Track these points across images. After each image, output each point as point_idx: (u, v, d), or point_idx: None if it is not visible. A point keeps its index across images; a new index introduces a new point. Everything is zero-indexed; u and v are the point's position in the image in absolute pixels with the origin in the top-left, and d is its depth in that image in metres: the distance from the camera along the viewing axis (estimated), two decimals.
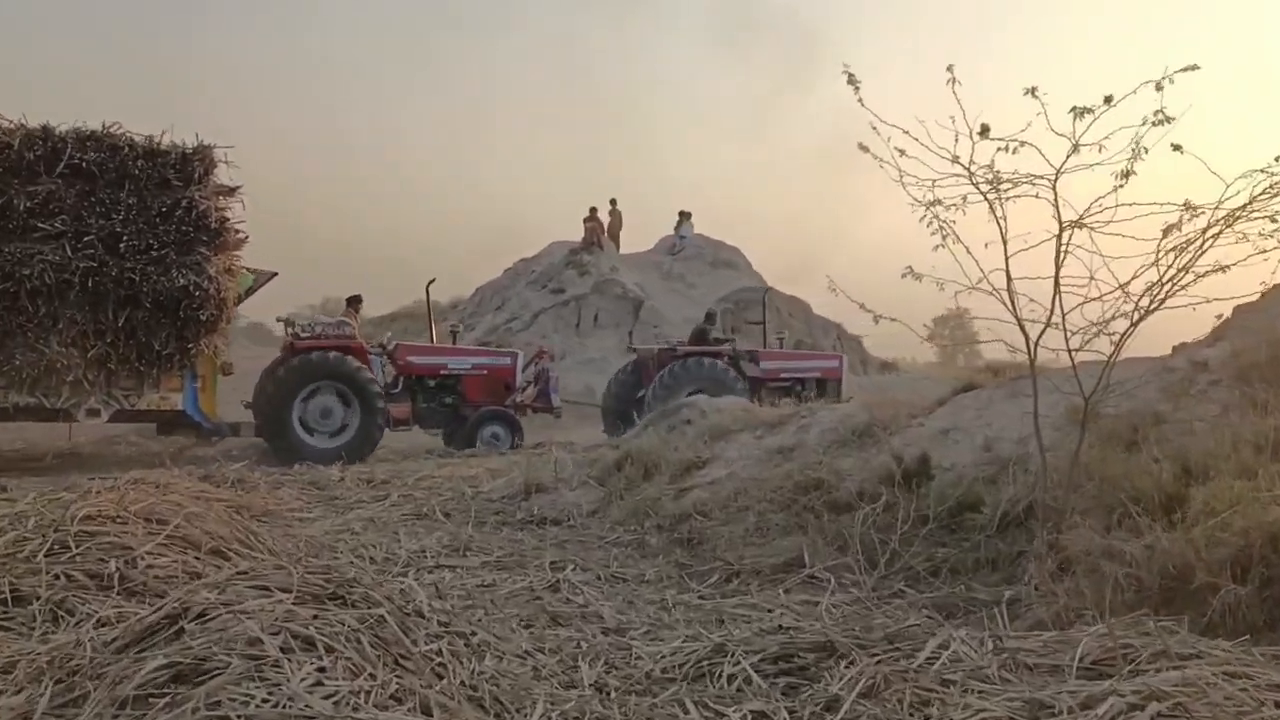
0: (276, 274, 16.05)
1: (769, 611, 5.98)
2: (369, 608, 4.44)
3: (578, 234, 31.91)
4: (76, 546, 5.72)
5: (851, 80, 6.87)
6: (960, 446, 8.23)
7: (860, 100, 6.84)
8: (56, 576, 5.45)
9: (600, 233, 31.07)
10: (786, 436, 9.62)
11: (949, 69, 6.42)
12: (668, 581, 7.13)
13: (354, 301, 17.87)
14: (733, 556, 7.52)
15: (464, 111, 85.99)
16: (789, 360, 20.09)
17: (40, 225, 13.18)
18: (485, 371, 17.19)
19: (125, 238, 13.46)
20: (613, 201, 32.46)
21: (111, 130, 13.83)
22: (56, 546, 5.76)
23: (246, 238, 14.71)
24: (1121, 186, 5.85)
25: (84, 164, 13.42)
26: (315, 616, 4.07)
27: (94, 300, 13.44)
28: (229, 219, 14.30)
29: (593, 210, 31.71)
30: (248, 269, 15.14)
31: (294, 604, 4.24)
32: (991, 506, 6.89)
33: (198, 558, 6.04)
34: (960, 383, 9.60)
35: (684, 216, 33.35)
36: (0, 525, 8.19)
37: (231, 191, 14.41)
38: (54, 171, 13.31)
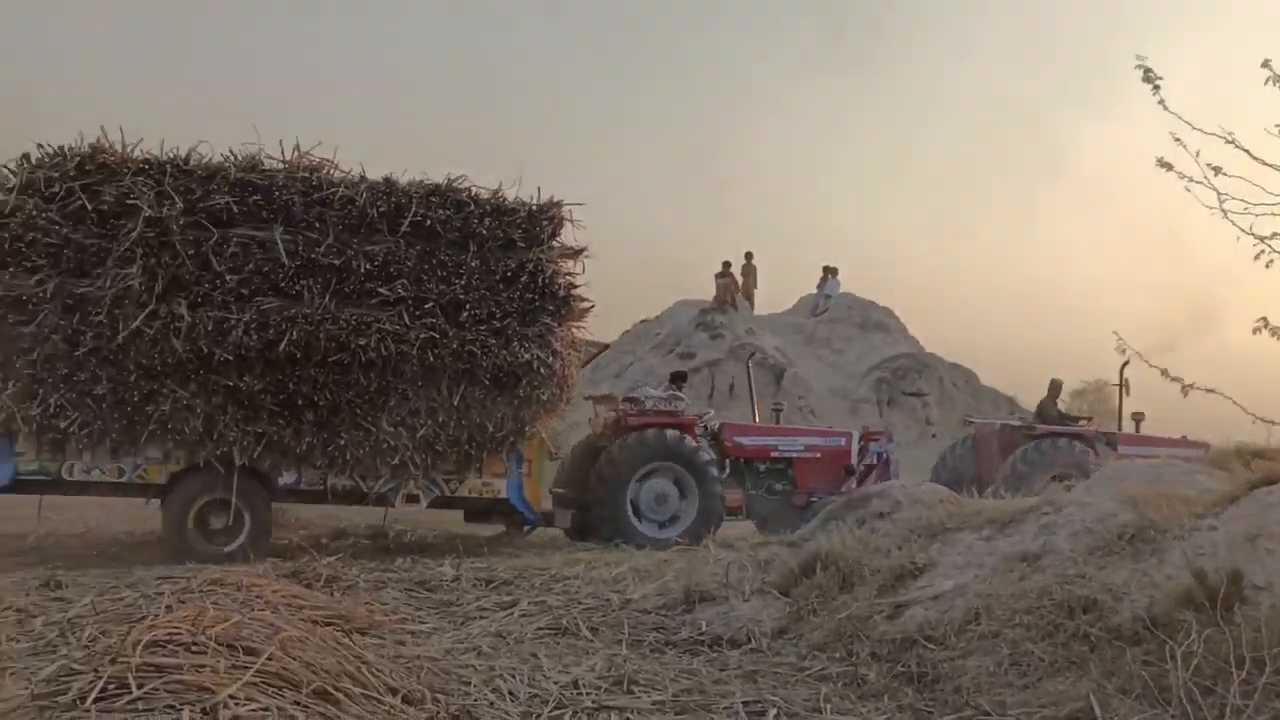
0: (608, 346, 15.45)
1: None
2: None
3: (705, 292, 30.74)
4: (139, 687, 4.57)
5: (1149, 77, 5.62)
6: (1277, 559, 6.77)
7: (1162, 102, 5.58)
8: None
9: (735, 291, 29.95)
10: (1027, 539, 8.26)
11: (1265, 64, 5.18)
12: None
13: (678, 378, 17.18)
14: (988, 701, 6.22)
15: None
16: (1148, 445, 17.97)
17: (379, 290, 12.85)
18: (819, 454, 16.67)
19: (467, 306, 13.14)
20: (748, 255, 31.53)
21: (456, 184, 13.44)
22: (112, 686, 4.62)
23: (592, 306, 14.29)
24: None
25: (427, 221, 13.05)
26: None
27: (428, 375, 13.06)
28: (576, 285, 13.86)
29: (726, 265, 30.77)
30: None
31: None
32: None
33: (297, 703, 4.83)
34: (1256, 475, 8.10)
35: (829, 273, 32.13)
36: (48, 639, 7.16)
37: (577, 254, 13.94)
38: (397, 230, 12.96)
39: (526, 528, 14.83)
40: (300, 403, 12.67)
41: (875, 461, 16.79)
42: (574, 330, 14.08)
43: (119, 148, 12.34)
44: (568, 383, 13.77)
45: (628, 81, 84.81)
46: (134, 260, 12.06)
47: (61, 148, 12.16)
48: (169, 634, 5.19)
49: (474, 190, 13.49)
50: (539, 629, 8.69)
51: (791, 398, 24.13)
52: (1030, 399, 23.19)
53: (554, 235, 13.76)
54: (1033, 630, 6.99)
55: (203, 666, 4.93)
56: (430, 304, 13.02)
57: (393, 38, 78.64)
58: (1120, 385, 18.49)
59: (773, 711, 6.30)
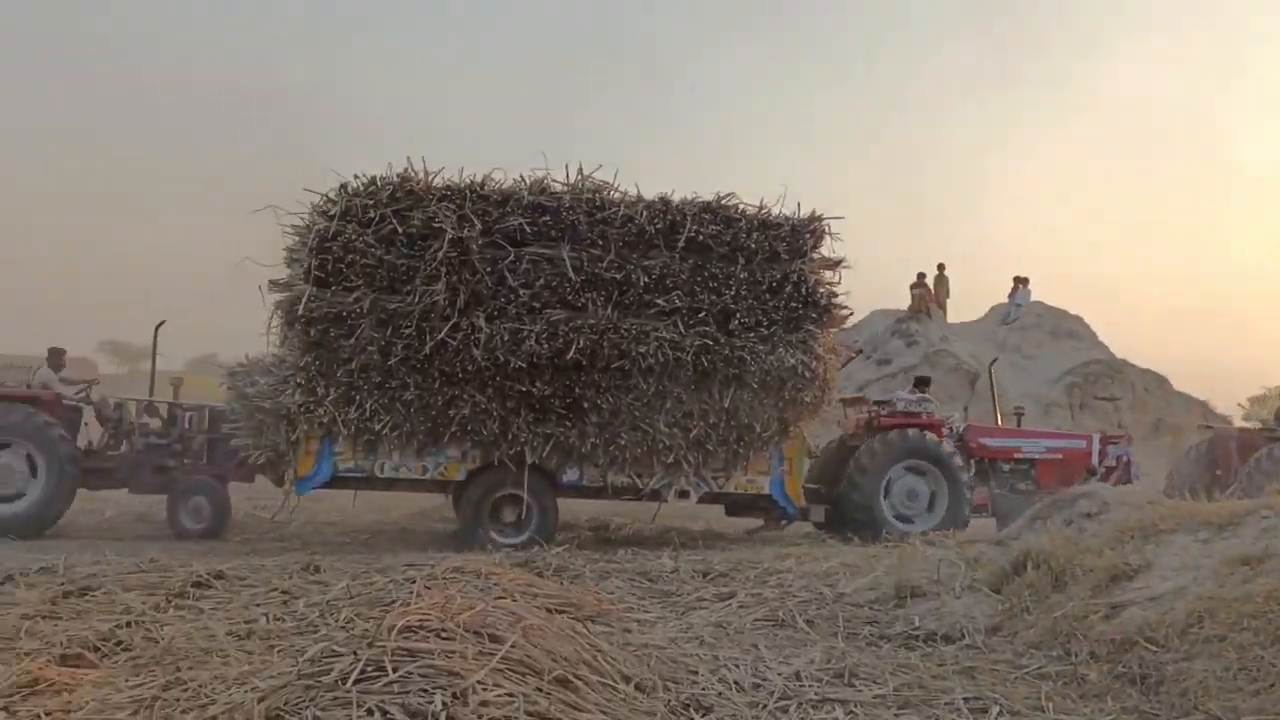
0: (860, 351, 15.65)
1: None
2: None
3: (898, 302, 30.09)
4: (394, 670, 4.51)
5: None
6: None
7: None
8: (369, 711, 4.25)
9: (930, 300, 29.23)
10: (1246, 542, 7.74)
11: None
12: None
13: (922, 383, 17.12)
14: (1219, 707, 5.73)
15: None
16: None
17: (656, 301, 13.22)
18: (1061, 455, 16.44)
19: (737, 315, 13.37)
20: (940, 267, 30.73)
21: (725, 201, 13.67)
22: (370, 668, 4.56)
23: (851, 313, 14.60)
24: None
25: (700, 237, 13.34)
26: None
27: (701, 379, 13.35)
28: (836, 294, 13.95)
29: (920, 276, 30.02)
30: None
31: None
32: None
33: (540, 689, 4.72)
34: None
35: (1020, 282, 31.06)
36: (309, 620, 7.25)
37: (836, 264, 14.01)
38: (673, 246, 13.32)
39: (783, 521, 14.88)
40: (585, 406, 13.11)
41: (1116, 464, 16.45)
42: (833, 336, 14.24)
43: (422, 176, 12.98)
44: (828, 385, 13.89)
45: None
46: (439, 278, 12.64)
47: (374, 178, 12.80)
48: (420, 620, 5.19)
49: (741, 206, 13.67)
50: (756, 620, 8.57)
51: (984, 401, 23.31)
52: (1224, 404, 22.07)
53: (815, 247, 13.86)
54: (1262, 635, 6.54)
55: (452, 652, 4.91)
56: (703, 313, 13.28)
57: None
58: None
59: (995, 709, 5.98)
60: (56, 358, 15.54)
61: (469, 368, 12.82)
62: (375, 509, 16.41)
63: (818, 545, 13.11)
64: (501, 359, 12.81)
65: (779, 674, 6.63)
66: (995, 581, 8.64)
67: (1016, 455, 16.30)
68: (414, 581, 8.61)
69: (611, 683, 5.38)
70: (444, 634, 5.10)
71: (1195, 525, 8.41)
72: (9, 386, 14.96)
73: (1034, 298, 31.60)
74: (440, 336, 12.66)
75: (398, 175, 12.88)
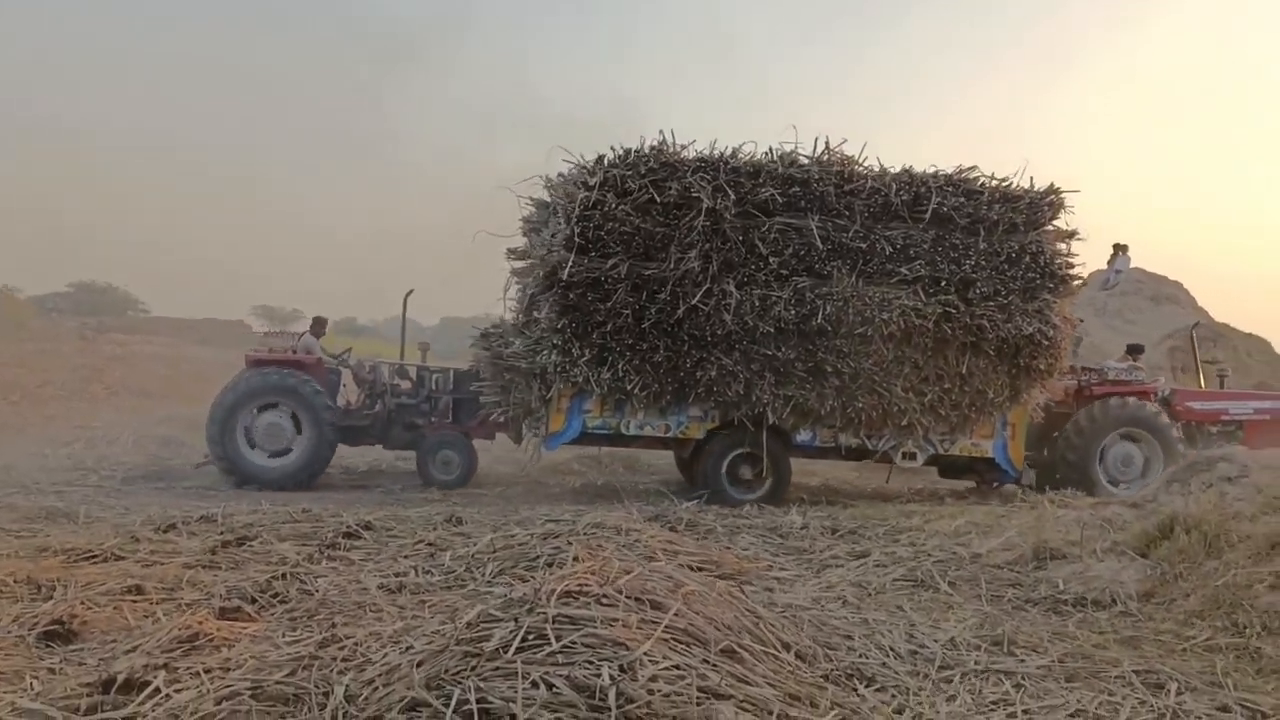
0: (1081, 320, 15.71)
1: None
2: None
3: None
4: (556, 640, 3.85)
5: None
6: None
7: None
8: (535, 684, 3.63)
9: None
10: None
11: None
12: None
13: (1134, 350, 16.52)
14: None
15: None
16: None
17: (899, 270, 13.07)
18: (1268, 416, 15.71)
19: (976, 283, 13.22)
20: None
21: (967, 174, 13.55)
22: (532, 636, 3.93)
23: (1084, 283, 14.67)
24: None
25: (943, 208, 13.20)
26: None
27: (939, 346, 13.24)
28: (1072, 264, 13.75)
29: None
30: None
31: None
32: None
33: (706, 660, 4.06)
34: None
35: (1120, 249, 29.41)
36: (456, 573, 6.73)
37: (1070, 235, 13.76)
38: (917, 217, 13.18)
39: (996, 483, 14.57)
40: (827, 370, 12.95)
41: None
42: (1067, 305, 13.98)
43: (675, 149, 12.88)
44: (1060, 353, 13.65)
45: None
46: (694, 246, 12.65)
47: (629, 149, 12.74)
48: (579, 585, 4.65)
49: (981, 179, 13.52)
50: (895, 580, 8.12)
51: (1088, 364, 22.13)
52: None
53: (1053, 219, 13.62)
54: None
55: (614, 620, 4.35)
56: (943, 282, 13.12)
57: None
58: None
59: (1172, 686, 5.19)
60: (320, 326, 16.03)
61: (718, 332, 12.78)
62: (509, 461, 15.95)
63: (939, 504, 12.35)
64: (750, 323, 12.79)
65: (935, 640, 6.01)
66: (1141, 545, 7.95)
67: (1224, 417, 15.64)
68: (557, 536, 8.07)
69: (774, 651, 4.74)
70: (605, 600, 4.56)
71: None
72: (276, 352, 15.24)
73: (1134, 264, 29.90)
74: (693, 302, 12.66)
75: (651, 148, 12.81)
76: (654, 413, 13.21)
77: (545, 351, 12.79)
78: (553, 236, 12.89)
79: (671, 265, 12.64)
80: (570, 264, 12.49)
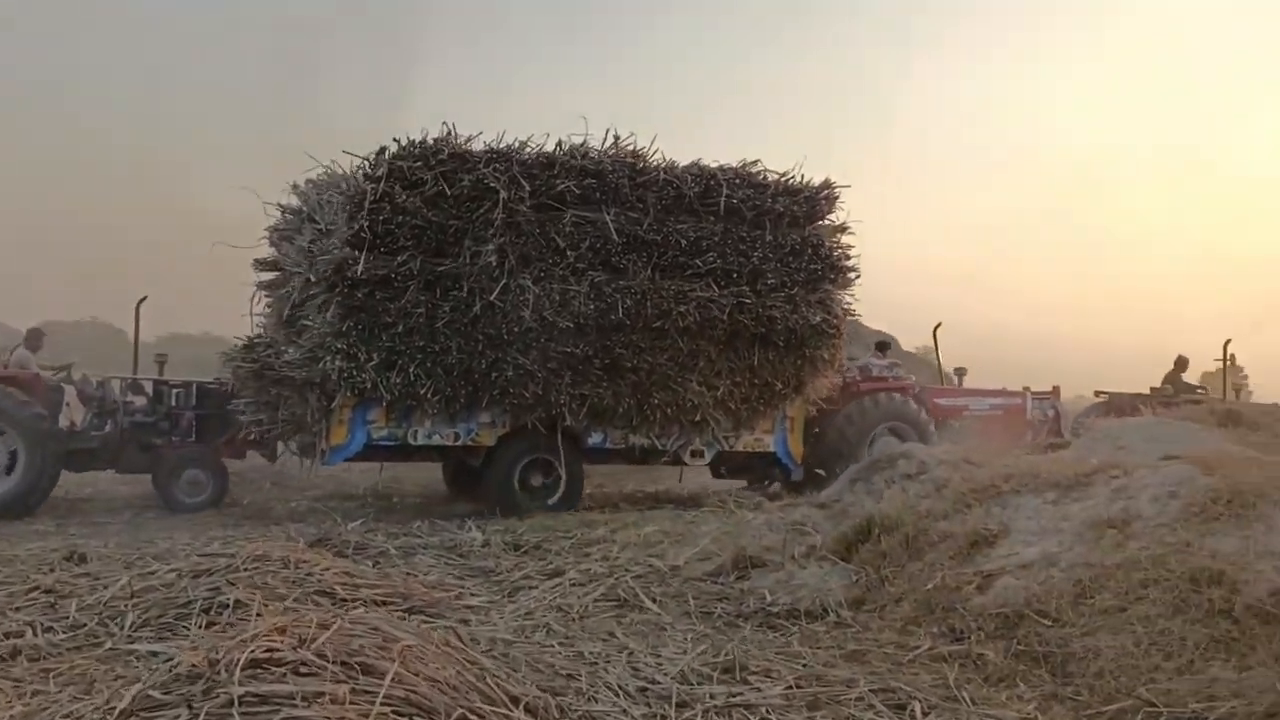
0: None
1: None
2: None
3: None
4: None
5: None
6: None
7: None
8: None
9: None
10: (1101, 503, 7.12)
11: None
12: None
13: (883, 347, 17.11)
14: (1152, 692, 4.86)
15: None
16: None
17: (693, 263, 13.09)
18: (1000, 412, 16.70)
19: (765, 275, 13.37)
20: None
21: (751, 168, 13.70)
22: None
23: (859, 275, 14.46)
24: None
25: (733, 201, 13.22)
26: None
27: (730, 339, 13.38)
28: (849, 256, 14.16)
29: None
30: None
31: None
32: None
33: None
34: None
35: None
36: (87, 629, 5.64)
37: (842, 229, 14.11)
38: (709, 209, 13.19)
39: (769, 482, 14.84)
40: (625, 366, 12.84)
41: (1045, 418, 17.00)
42: (845, 297, 14.41)
43: (461, 140, 12.53)
44: (841, 343, 14.18)
45: None
46: (490, 240, 12.32)
47: (414, 141, 12.29)
48: (269, 650, 3.71)
49: (764, 172, 13.72)
50: (598, 601, 7.75)
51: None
52: None
53: (829, 211, 14.00)
54: (1160, 605, 5.88)
55: (320, 695, 3.48)
56: (735, 274, 13.24)
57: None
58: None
59: (915, 705, 4.97)
60: (35, 339, 14.73)
61: (515, 329, 12.47)
62: (128, 480, 14.37)
63: (617, 511, 12.07)
64: (549, 319, 12.50)
65: (665, 674, 5.50)
66: (841, 549, 7.90)
67: (965, 412, 16.48)
68: (211, 573, 7.01)
69: (506, 710, 4.05)
70: (304, 669, 3.74)
71: (1040, 486, 7.88)
72: None
73: None
74: (491, 298, 12.30)
75: (435, 139, 12.41)
76: (443, 420, 12.77)
77: (327, 358, 12.04)
78: (325, 236, 12.37)
79: (467, 260, 12.34)
80: (360, 262, 11.85)
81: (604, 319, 12.62)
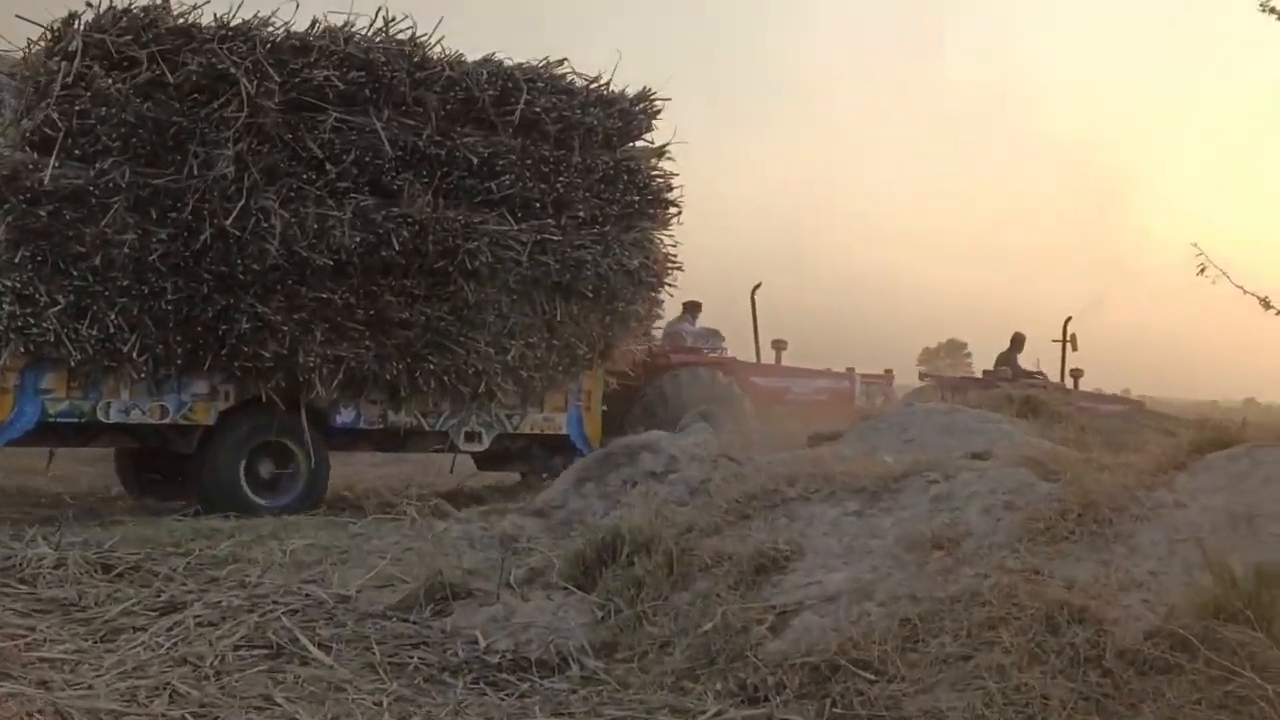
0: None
1: None
2: None
3: None
4: None
5: None
6: None
7: None
8: None
9: None
10: (921, 516, 5.77)
11: None
12: None
13: (693, 307, 14.97)
14: None
15: None
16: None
17: (483, 186, 10.72)
18: (826, 397, 14.97)
19: (574, 206, 11.17)
20: None
21: (557, 69, 11.44)
22: None
23: (680, 211, 12.30)
24: None
25: (533, 110, 10.94)
26: None
27: (527, 287, 11.00)
28: (673, 186, 12.04)
29: None
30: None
31: None
32: None
33: None
34: (1199, 437, 5.95)
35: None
36: None
37: (660, 153, 11.94)
38: (505, 120, 10.82)
39: (547, 475, 11.61)
40: (394, 319, 10.46)
41: (876, 404, 15.21)
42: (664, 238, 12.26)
43: (185, 7, 9.88)
44: (658, 298, 12.28)
45: None
46: (224, 145, 9.72)
47: (119, 7, 9.59)
48: None
49: (571, 76, 11.51)
50: (239, 649, 5.36)
51: None
52: None
53: (647, 130, 11.89)
54: (1014, 653, 4.62)
55: None
56: (537, 204, 10.99)
57: None
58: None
59: None
60: None
61: (255, 267, 9.87)
62: None
63: (242, 517, 9.68)
64: (301, 255, 9.95)
65: None
66: (576, 574, 6.07)
67: (788, 397, 14.73)
68: None
69: None
70: None
71: (837, 493, 6.34)
72: None
73: None
74: (225, 223, 9.66)
75: (147, 5, 9.65)
76: (144, 391, 9.97)
77: None
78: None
79: (193, 172, 9.62)
80: (49, 168, 9.08)
81: (371, 257, 10.25)
